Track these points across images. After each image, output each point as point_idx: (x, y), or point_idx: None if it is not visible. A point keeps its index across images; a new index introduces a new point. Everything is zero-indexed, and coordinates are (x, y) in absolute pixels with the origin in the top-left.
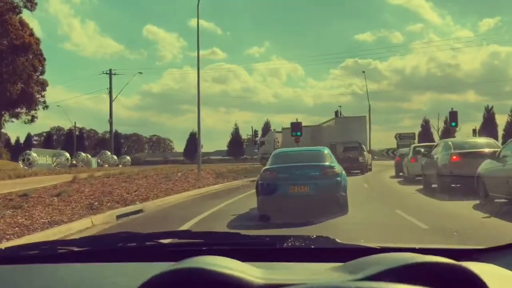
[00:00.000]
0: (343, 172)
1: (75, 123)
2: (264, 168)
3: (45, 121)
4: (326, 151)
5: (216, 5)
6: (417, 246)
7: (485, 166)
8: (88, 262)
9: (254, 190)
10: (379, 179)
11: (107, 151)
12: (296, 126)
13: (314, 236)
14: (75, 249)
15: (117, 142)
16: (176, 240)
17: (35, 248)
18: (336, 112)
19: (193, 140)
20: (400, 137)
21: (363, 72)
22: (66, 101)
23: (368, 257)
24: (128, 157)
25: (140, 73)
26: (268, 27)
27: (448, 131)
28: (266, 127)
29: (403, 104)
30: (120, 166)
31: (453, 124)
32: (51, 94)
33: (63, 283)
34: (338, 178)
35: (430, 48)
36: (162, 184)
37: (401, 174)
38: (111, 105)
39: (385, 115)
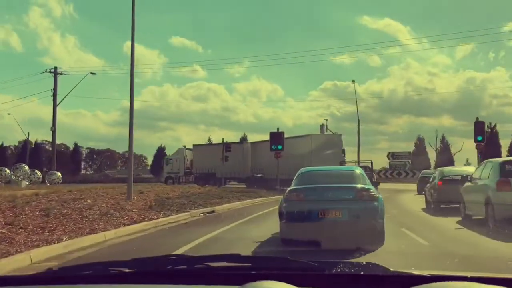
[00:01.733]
0: (380, 196)
1: (28, 134)
2: (289, 189)
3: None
4: (359, 170)
5: (197, 24)
6: (468, 274)
7: None
8: (139, 284)
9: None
10: (415, 216)
11: (23, 165)
12: (276, 138)
13: (364, 263)
14: (126, 270)
15: (77, 157)
16: (224, 264)
17: (88, 268)
18: (322, 126)
19: (160, 155)
20: (393, 156)
21: (353, 81)
22: (41, 115)
23: (427, 285)
24: (58, 173)
25: (93, 73)
26: (249, 47)
27: (445, 149)
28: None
29: (380, 126)
30: (48, 184)
31: (480, 138)
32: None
33: None
34: (375, 203)
35: (407, 72)
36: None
37: (443, 206)
38: (54, 109)
39: (362, 137)
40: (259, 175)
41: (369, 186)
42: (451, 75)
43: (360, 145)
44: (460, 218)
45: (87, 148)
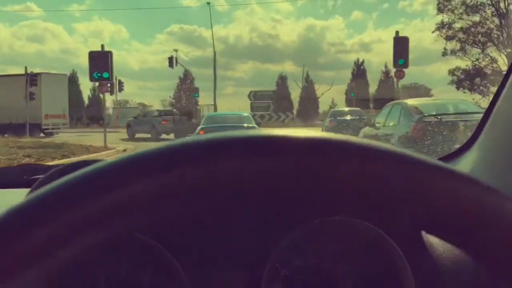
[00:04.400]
0: None
1: None
2: (199, 127)
3: None
4: (246, 114)
5: None
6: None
7: None
8: None
9: None
10: None
11: None
12: (100, 61)
13: None
14: None
15: None
16: None
17: None
18: (170, 59)
19: None
20: (255, 96)
21: (208, 3)
22: None
23: None
24: None
25: None
26: None
27: (308, 88)
28: None
29: (226, 72)
30: None
31: (401, 61)
32: None
33: None
34: None
35: (252, 17)
36: None
37: None
38: None
39: (209, 82)
40: None
41: (253, 125)
42: (293, 22)
43: (216, 87)
44: None
45: None
